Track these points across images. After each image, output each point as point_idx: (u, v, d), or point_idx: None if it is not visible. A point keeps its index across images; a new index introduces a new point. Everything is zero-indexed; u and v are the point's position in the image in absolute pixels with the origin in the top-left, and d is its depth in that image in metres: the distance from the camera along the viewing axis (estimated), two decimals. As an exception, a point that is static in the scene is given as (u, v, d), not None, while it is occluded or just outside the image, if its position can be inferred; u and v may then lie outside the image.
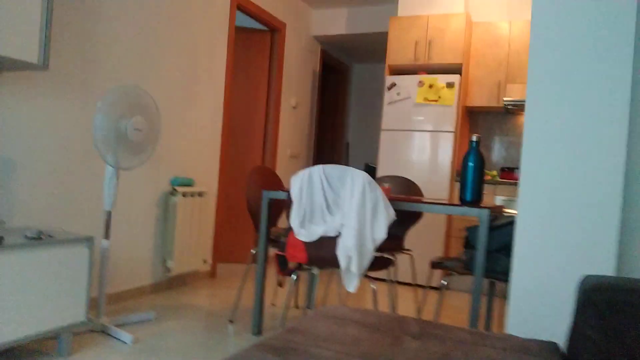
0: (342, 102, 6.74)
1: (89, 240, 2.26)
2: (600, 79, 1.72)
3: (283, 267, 2.72)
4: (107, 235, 2.65)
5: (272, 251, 4.87)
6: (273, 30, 4.89)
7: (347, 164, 6.85)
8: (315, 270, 2.53)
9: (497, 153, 4.71)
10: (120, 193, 3.15)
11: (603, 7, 1.72)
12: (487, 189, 4.18)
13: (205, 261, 3.86)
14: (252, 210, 2.99)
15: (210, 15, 3.90)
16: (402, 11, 4.66)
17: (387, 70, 4.58)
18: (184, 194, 3.54)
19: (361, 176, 2.26)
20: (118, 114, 2.52)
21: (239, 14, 5.41)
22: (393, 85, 4.44)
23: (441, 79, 4.27)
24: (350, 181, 2.28)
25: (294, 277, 2.63)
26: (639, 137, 1.76)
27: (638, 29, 1.76)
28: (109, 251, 2.83)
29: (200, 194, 3.71)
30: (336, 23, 5.53)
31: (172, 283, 3.64)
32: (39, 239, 2.11)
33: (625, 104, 1.68)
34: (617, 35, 1.70)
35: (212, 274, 4.12)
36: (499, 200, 4.11)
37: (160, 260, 3.51)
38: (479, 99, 4.46)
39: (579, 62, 1.75)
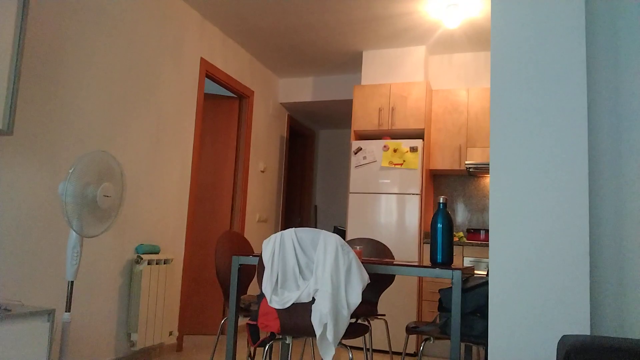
0: (310, 166, 6.83)
1: (50, 314, 2.14)
2: (558, 140, 1.82)
3: (255, 337, 2.63)
4: (68, 308, 2.51)
5: (243, 321, 4.71)
6: (241, 97, 5.00)
7: (315, 227, 6.85)
8: (289, 340, 2.45)
9: (461, 215, 4.81)
10: (83, 262, 3.03)
11: (555, 70, 1.85)
12: (455, 250, 4.24)
13: (171, 333, 3.69)
14: (221, 277, 2.92)
15: (180, 82, 3.97)
16: (365, 80, 4.87)
17: (352, 136, 4.71)
18: (150, 262, 3.43)
19: (334, 239, 2.25)
20: (87, 180, 2.47)
21: (207, 81, 5.52)
22: (359, 149, 4.55)
23: (405, 144, 4.41)
24: (323, 244, 2.27)
25: (266, 348, 2.54)
26: (599, 194, 1.84)
27: (590, 89, 1.90)
28: (70, 324, 2.68)
29: (166, 262, 3.61)
30: (302, 91, 5.71)
31: (136, 358, 3.44)
32: (-4, 314, 1.99)
33: (584, 163, 1.77)
34: (571, 98, 1.82)
35: (179, 347, 3.93)
36: (467, 261, 4.16)
37: (124, 333, 3.34)
38: (442, 162, 4.61)
39: (537, 125, 1.86)
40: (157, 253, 3.58)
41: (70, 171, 2.40)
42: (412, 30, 4.37)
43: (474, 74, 4.80)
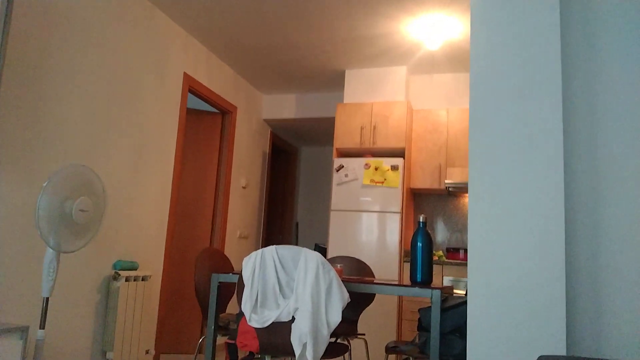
0: (291, 183, 6.83)
1: (23, 331, 2.09)
2: (535, 160, 1.86)
3: (233, 356, 2.60)
4: (43, 325, 2.45)
5: (221, 339, 4.65)
6: (224, 112, 5.00)
7: (296, 244, 6.82)
8: (268, 359, 2.43)
9: (441, 233, 4.85)
10: (59, 278, 2.96)
11: (533, 92, 1.90)
12: (435, 269, 4.26)
13: (148, 352, 3.62)
14: (200, 295, 2.88)
15: (162, 97, 3.96)
16: (347, 98, 4.92)
17: (334, 153, 4.74)
18: (127, 279, 3.37)
19: (315, 257, 2.25)
20: (64, 194, 2.44)
21: (190, 96, 5.52)
22: (341, 167, 4.58)
23: (386, 162, 4.45)
24: (304, 262, 2.27)
25: (245, 365, 2.51)
26: (576, 215, 1.89)
27: (566, 109, 1.95)
28: (44, 342, 2.61)
29: (144, 278, 3.55)
30: (285, 108, 5.74)
31: (109, 376, 3.36)
32: (-34, 331, 1.93)
33: (560, 184, 1.81)
34: (547, 120, 1.87)
35: (155, 364, 3.85)
36: (447, 280, 4.19)
37: (100, 351, 3.26)
38: (422, 181, 4.66)
39: (515, 146, 1.90)
40: (136, 269, 3.52)
41: (45, 185, 2.37)
42: (393, 50, 4.44)
43: (454, 95, 4.89)
